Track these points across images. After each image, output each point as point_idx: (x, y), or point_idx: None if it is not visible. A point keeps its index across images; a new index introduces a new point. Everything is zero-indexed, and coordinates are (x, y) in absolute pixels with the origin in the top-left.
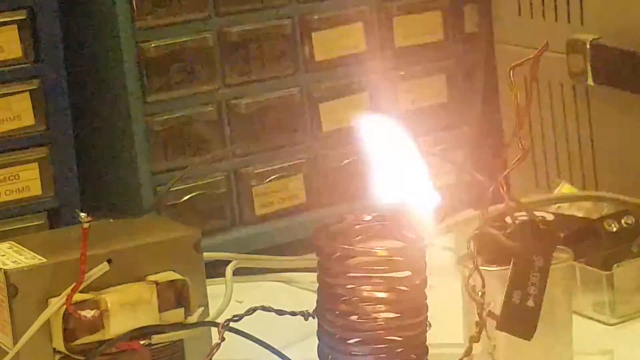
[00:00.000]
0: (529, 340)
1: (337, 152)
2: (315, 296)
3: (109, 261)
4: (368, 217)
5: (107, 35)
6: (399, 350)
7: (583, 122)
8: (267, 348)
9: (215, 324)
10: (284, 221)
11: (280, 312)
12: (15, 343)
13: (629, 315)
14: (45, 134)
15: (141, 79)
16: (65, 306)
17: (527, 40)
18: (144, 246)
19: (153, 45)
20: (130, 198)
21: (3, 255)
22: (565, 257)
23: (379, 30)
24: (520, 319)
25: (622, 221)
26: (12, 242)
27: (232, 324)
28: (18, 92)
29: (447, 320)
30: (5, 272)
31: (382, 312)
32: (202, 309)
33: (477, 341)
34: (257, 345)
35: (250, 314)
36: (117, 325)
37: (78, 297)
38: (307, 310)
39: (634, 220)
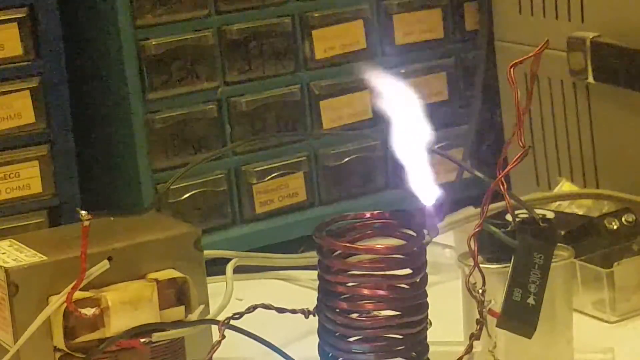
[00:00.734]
0: (530, 338)
1: (338, 149)
2: (315, 294)
3: (110, 259)
4: (368, 215)
5: (108, 33)
6: (400, 348)
7: (583, 119)
8: (267, 346)
9: (216, 322)
10: (284, 219)
11: (280, 310)
12: (15, 341)
13: (629, 313)
14: (45, 132)
15: (141, 76)
16: (65, 304)
17: (527, 38)
18: (144, 244)
19: (153, 43)
20: (130, 196)
21: (3, 253)
22: (565, 254)
23: (379, 28)
24: (521, 316)
25: (623, 219)
26: (12, 240)
27: (232, 322)
28: (18, 90)
29: (447, 318)
30: (6, 270)
31: (383, 310)
32: (202, 306)
33: (478, 339)
34: (257, 343)
35: (250, 312)
36: (118, 323)
37: (78, 295)
38: (307, 308)
39: (634, 218)
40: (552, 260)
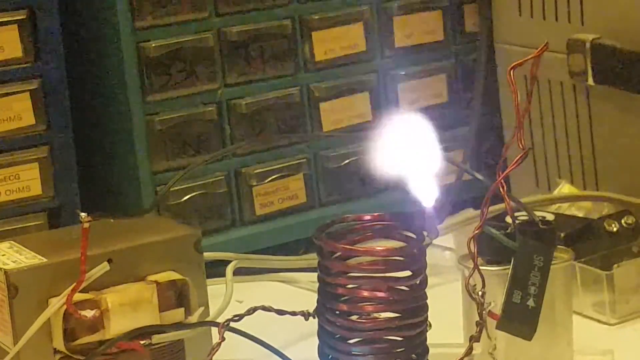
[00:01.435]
0: (530, 340)
1: (338, 151)
2: (315, 296)
3: (109, 261)
4: (368, 217)
5: (108, 35)
6: (399, 350)
7: (583, 121)
8: (267, 348)
9: (216, 324)
10: (284, 221)
11: (280, 312)
12: (15, 343)
13: (629, 315)
14: (45, 134)
15: (141, 78)
16: (65, 306)
17: (527, 40)
18: (144, 246)
19: (153, 45)
20: (130, 198)
21: (3, 255)
22: (565, 257)
23: (379, 30)
24: (521, 318)
25: (623, 221)
26: (12, 242)
27: (232, 324)
28: (18, 92)
29: (447, 320)
30: (6, 272)
31: (383, 311)
32: (202, 308)
33: (478, 341)
34: (257, 345)
35: (250, 314)
36: (118, 325)
37: (78, 296)
38: (307, 310)
39: (634, 220)
40: (552, 262)
